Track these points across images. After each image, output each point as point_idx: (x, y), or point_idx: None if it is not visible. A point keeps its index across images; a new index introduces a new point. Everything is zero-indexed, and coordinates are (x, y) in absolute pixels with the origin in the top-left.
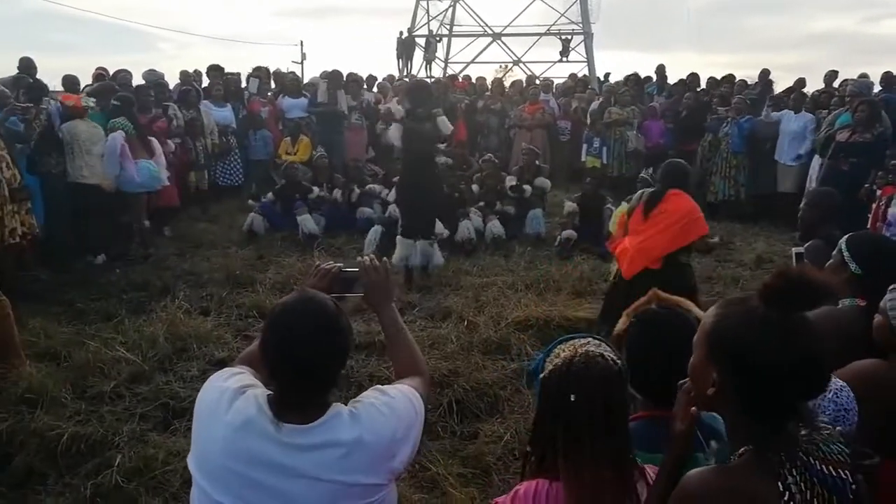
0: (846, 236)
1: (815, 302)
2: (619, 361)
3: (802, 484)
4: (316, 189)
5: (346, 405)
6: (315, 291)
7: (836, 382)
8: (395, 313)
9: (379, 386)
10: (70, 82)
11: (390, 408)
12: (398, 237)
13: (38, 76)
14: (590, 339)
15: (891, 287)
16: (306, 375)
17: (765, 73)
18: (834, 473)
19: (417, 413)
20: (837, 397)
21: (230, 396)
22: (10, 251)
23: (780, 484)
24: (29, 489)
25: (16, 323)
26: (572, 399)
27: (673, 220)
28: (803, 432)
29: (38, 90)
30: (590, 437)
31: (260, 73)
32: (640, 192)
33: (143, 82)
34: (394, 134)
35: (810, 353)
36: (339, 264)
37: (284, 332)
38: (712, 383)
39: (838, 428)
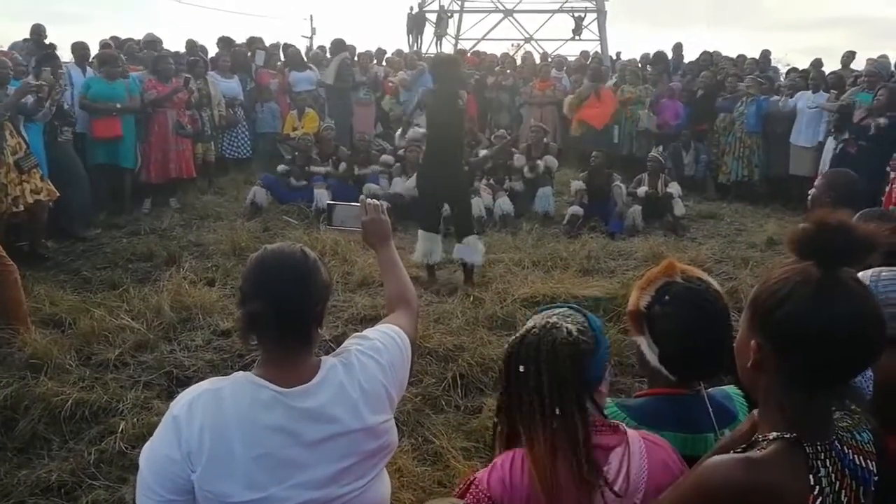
0: (859, 213)
1: (859, 255)
2: (581, 334)
3: (834, 475)
4: (321, 167)
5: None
6: (294, 243)
7: None
8: (391, 252)
9: (357, 333)
10: (81, 49)
11: (374, 349)
12: (420, 231)
13: (48, 43)
14: (563, 308)
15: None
16: (285, 315)
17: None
18: (864, 465)
19: (401, 347)
20: None
21: (209, 396)
22: (15, 219)
23: (811, 477)
24: (33, 454)
25: (22, 290)
26: (521, 370)
27: (611, 98)
28: (836, 415)
29: (51, 58)
30: (541, 410)
31: (258, 44)
32: (587, 86)
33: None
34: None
35: (853, 318)
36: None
37: (262, 272)
38: (752, 352)
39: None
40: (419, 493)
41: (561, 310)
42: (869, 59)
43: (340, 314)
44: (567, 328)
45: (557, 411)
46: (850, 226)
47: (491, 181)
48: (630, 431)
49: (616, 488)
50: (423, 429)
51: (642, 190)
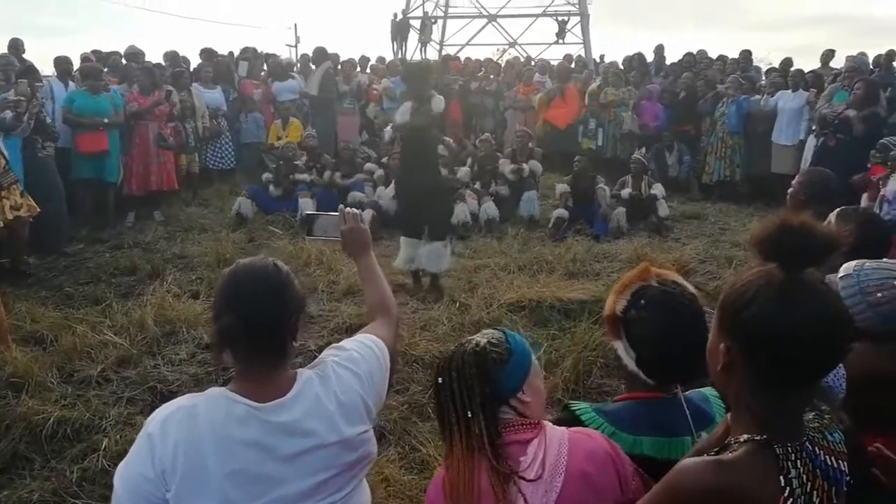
0: (837, 210)
1: (821, 255)
2: (492, 346)
3: (805, 476)
4: (305, 176)
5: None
6: (266, 257)
7: None
8: (371, 261)
9: (334, 344)
10: (63, 63)
11: (351, 360)
12: (402, 238)
13: (27, 58)
14: (494, 330)
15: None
16: (258, 328)
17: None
18: (835, 465)
19: (379, 356)
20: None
21: (184, 412)
22: None
23: (782, 478)
24: (14, 474)
25: (2, 307)
26: (440, 382)
27: (575, 97)
28: (808, 416)
29: (30, 71)
30: (456, 415)
31: (248, 54)
32: (554, 87)
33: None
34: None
35: (817, 320)
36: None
37: (234, 286)
38: (721, 355)
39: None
40: (406, 503)
41: (486, 330)
42: (848, 57)
43: (326, 324)
44: (476, 341)
45: (469, 414)
46: (811, 227)
47: (476, 186)
48: (552, 426)
49: (532, 474)
50: (410, 437)
51: (626, 192)
